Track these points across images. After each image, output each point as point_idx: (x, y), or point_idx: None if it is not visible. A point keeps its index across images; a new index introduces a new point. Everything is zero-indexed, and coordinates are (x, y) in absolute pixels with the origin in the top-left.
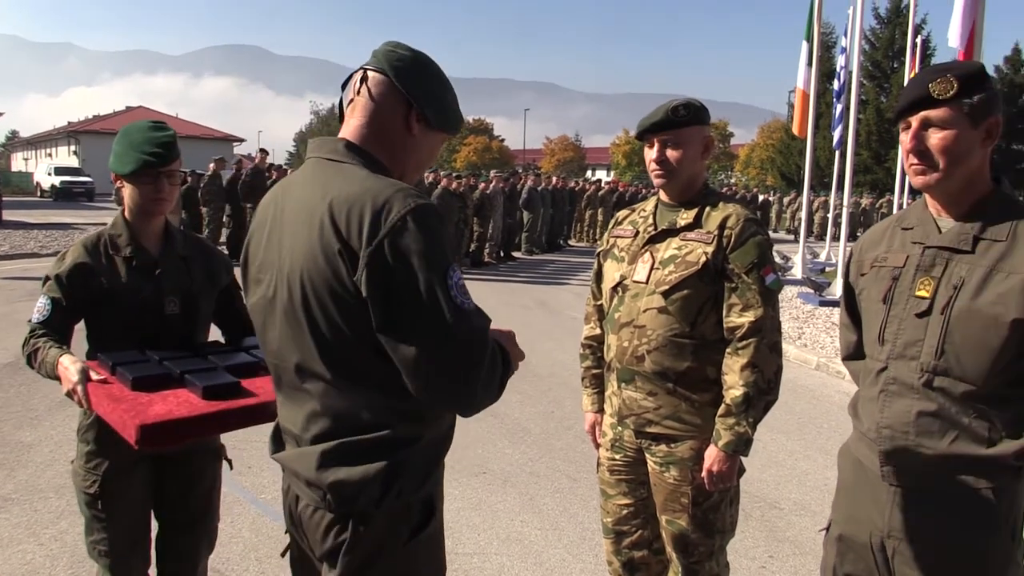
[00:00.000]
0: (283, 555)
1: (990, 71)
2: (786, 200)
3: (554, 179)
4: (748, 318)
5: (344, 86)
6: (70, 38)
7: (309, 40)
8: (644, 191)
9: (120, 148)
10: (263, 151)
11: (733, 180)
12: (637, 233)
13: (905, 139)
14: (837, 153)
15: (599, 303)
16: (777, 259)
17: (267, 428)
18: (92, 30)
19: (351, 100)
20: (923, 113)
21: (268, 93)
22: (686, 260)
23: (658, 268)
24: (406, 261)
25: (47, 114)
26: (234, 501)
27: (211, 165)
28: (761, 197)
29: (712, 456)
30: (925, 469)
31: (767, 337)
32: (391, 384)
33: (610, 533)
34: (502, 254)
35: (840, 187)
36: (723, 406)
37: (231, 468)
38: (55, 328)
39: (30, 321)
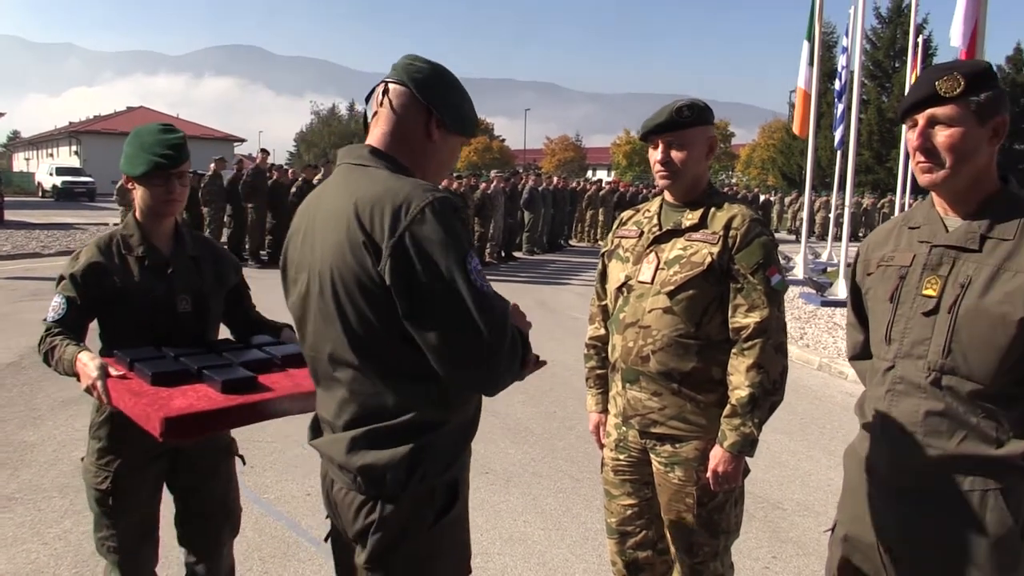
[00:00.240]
0: (325, 540)
1: None
2: (787, 200)
3: (555, 179)
4: (754, 319)
5: (367, 99)
6: (71, 38)
7: (309, 40)
8: (645, 191)
9: (131, 150)
10: (264, 151)
11: (734, 180)
12: (642, 233)
13: (912, 137)
14: (838, 153)
15: (603, 303)
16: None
17: (271, 429)
18: (93, 30)
19: (375, 112)
20: (930, 111)
21: (268, 93)
22: (691, 260)
23: (663, 268)
24: (426, 250)
25: (48, 114)
26: None
27: (212, 165)
28: (762, 197)
29: (717, 457)
30: (933, 469)
31: (773, 338)
32: (417, 370)
33: (614, 533)
34: (503, 254)
35: (841, 187)
36: (728, 407)
37: (243, 464)
38: (70, 326)
39: (45, 320)
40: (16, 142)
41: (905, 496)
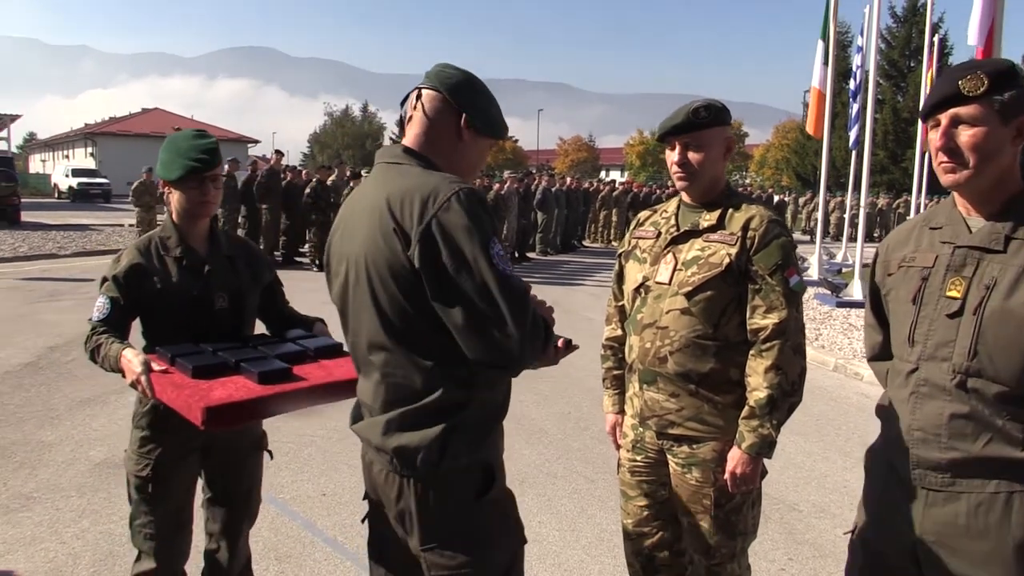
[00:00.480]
0: (363, 521)
1: None
2: (802, 201)
3: (568, 179)
4: (772, 320)
5: (402, 104)
6: (86, 41)
7: (322, 42)
8: (658, 191)
9: (167, 156)
10: (279, 152)
11: (748, 180)
12: (659, 234)
13: (934, 137)
14: (853, 153)
15: (620, 304)
16: None
17: (286, 429)
18: (108, 33)
19: (409, 116)
20: (952, 110)
21: (282, 94)
22: (709, 261)
23: (681, 269)
24: (451, 235)
25: (64, 116)
26: None
27: (226, 166)
28: (776, 198)
29: (735, 458)
30: (958, 472)
31: (791, 339)
32: (447, 354)
33: (631, 535)
34: (516, 255)
35: (856, 187)
36: (747, 408)
37: (271, 458)
38: (114, 325)
39: (90, 319)
40: (32, 144)
41: (929, 499)
